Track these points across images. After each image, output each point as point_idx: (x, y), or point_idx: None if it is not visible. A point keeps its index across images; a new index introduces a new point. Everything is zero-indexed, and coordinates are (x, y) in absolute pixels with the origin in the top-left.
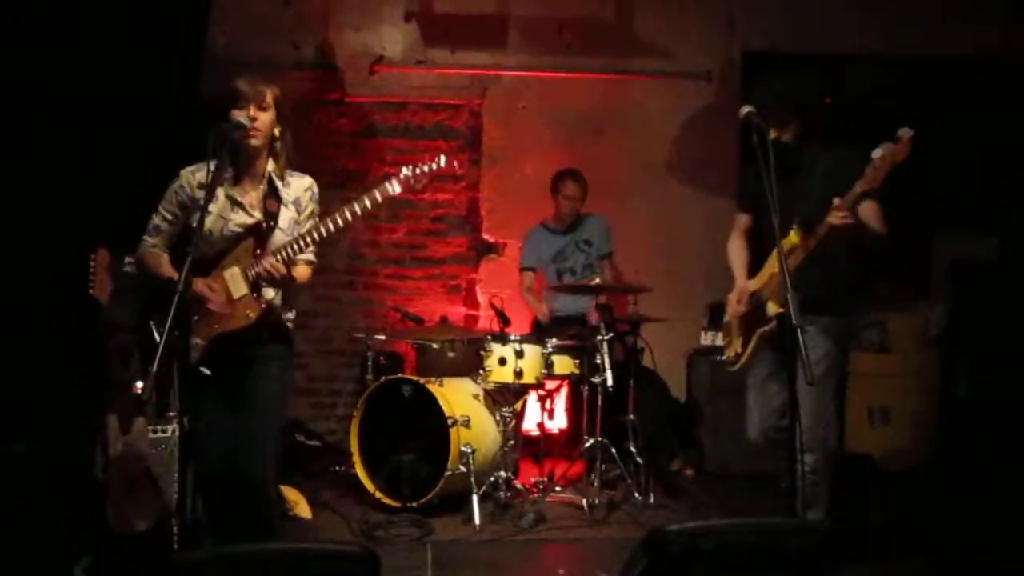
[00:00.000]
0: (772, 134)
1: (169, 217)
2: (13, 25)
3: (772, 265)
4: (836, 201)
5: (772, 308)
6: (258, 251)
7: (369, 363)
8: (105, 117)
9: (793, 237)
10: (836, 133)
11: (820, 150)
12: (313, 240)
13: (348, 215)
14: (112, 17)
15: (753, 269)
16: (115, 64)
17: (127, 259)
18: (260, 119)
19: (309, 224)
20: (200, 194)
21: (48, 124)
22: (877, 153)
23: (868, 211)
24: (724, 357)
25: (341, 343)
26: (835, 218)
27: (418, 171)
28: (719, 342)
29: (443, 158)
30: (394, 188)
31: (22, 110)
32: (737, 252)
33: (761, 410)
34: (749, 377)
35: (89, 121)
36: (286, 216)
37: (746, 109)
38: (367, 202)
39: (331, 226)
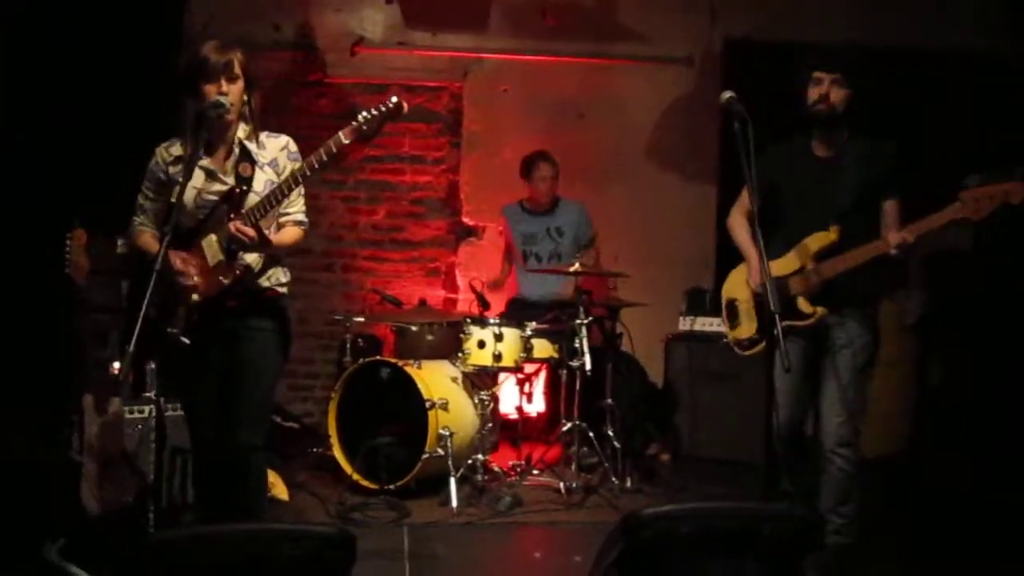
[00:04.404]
0: (819, 90)
1: (150, 195)
2: None
3: (801, 258)
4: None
5: (805, 306)
6: (231, 216)
7: (347, 345)
8: (83, 98)
9: (832, 234)
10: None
11: (852, 135)
12: (277, 201)
13: (307, 170)
14: None
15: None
16: (93, 43)
17: (120, 240)
18: (232, 92)
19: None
20: (173, 169)
21: (25, 105)
22: (974, 180)
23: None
24: (729, 339)
25: (319, 325)
26: (891, 244)
27: (368, 115)
28: (697, 327)
29: (393, 99)
30: (346, 138)
31: None
32: (745, 231)
33: (792, 408)
34: (776, 372)
35: (67, 102)
36: (261, 179)
37: (727, 95)
38: (323, 155)
39: (291, 183)
